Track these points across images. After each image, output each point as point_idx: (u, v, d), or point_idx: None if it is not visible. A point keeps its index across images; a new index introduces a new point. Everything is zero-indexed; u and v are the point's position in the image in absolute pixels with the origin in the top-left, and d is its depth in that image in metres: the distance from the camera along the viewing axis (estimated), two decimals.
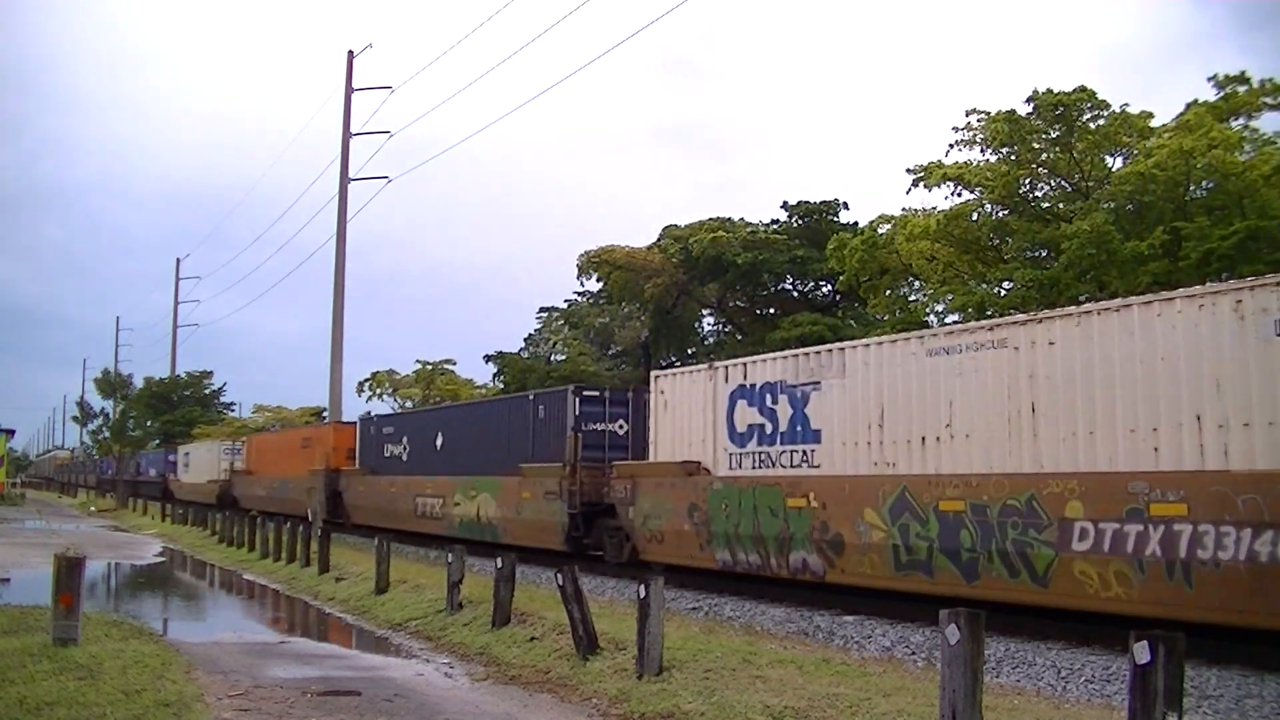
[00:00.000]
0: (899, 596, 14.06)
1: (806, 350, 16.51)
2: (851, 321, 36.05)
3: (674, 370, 19.75)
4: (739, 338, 41.14)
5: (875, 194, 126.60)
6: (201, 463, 52.13)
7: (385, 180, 40.95)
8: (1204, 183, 21.63)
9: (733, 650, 10.57)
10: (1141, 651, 5.94)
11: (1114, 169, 24.06)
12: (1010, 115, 23.76)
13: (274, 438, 46.52)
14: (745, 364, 17.24)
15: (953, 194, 25.93)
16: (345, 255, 39.93)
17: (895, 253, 27.35)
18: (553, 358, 52.33)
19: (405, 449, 30.16)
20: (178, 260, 76.58)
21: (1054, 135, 23.80)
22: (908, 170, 26.52)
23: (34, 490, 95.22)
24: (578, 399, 21.43)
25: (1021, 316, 13.49)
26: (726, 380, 17.32)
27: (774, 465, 16.13)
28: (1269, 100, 22.73)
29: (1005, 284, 25.23)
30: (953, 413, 13.40)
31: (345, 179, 40.30)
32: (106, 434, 67.93)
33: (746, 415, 16.76)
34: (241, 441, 49.18)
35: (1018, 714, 8.29)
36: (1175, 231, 20.62)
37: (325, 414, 46.63)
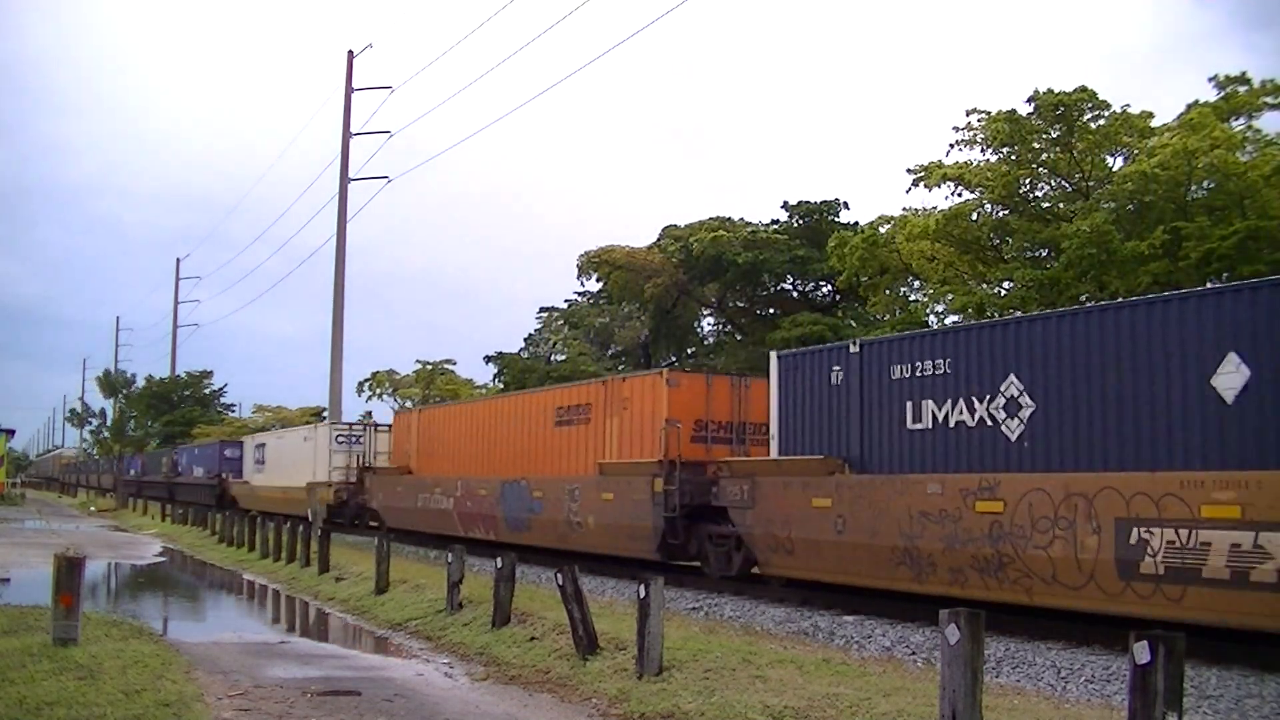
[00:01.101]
0: None
1: None
2: (851, 321, 36.08)
3: None
4: (739, 338, 41.17)
5: (875, 194, 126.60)
6: (294, 457, 37.53)
7: (385, 180, 40.96)
8: (1204, 183, 21.65)
9: (733, 650, 10.57)
10: (1141, 651, 5.94)
11: (1114, 169, 24.08)
12: (1011, 115, 23.79)
13: (474, 410, 27.53)
14: None
15: (953, 194, 25.97)
16: (345, 255, 39.84)
17: (895, 252, 27.37)
18: (553, 358, 52.37)
19: (1033, 409, 12.73)
20: (178, 260, 76.56)
21: (1054, 135, 23.82)
22: (908, 170, 26.58)
23: (34, 490, 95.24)
24: None
25: None
26: None
27: None
28: (1269, 100, 22.75)
29: (1005, 284, 25.26)
30: None
31: (345, 179, 40.26)
32: (106, 434, 67.88)
33: None
34: (368, 425, 36.16)
35: (1018, 714, 8.29)
36: (1176, 231, 20.64)
37: (325, 414, 46.60)
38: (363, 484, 32.26)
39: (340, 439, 34.25)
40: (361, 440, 34.04)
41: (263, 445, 42.81)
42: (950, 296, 25.70)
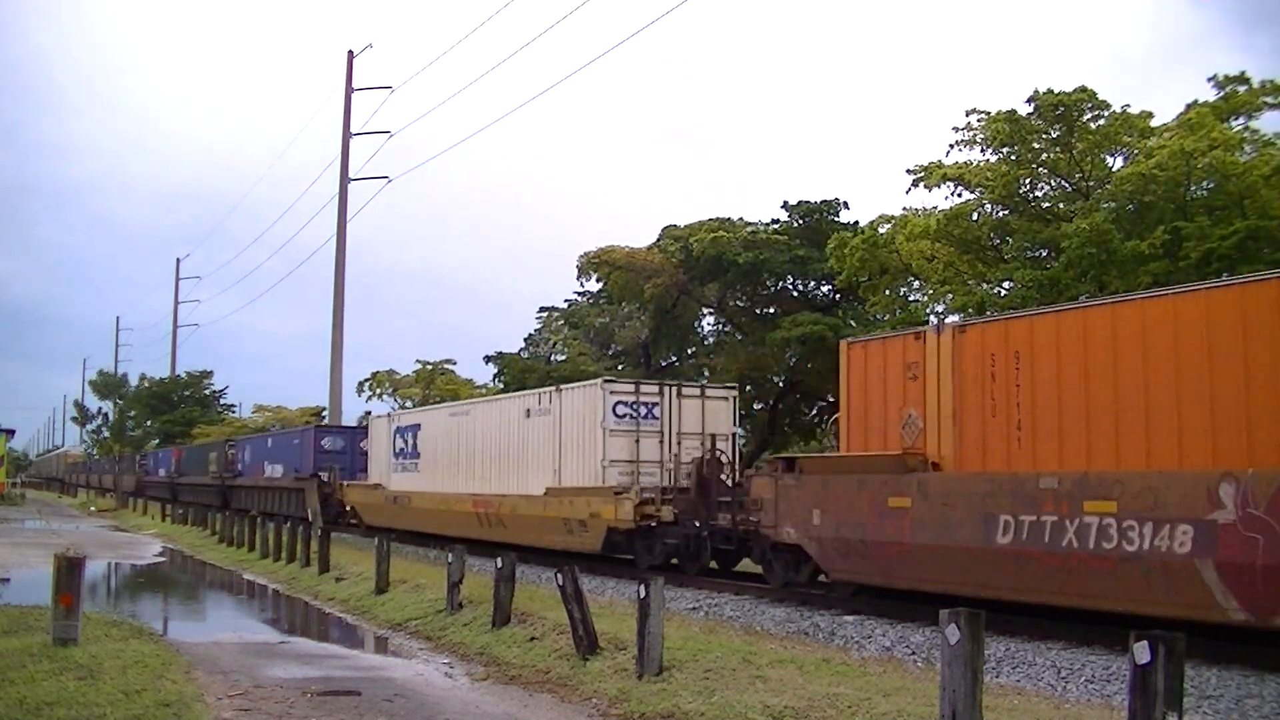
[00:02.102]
0: None
1: None
2: (851, 321, 36.08)
3: None
4: (739, 338, 41.17)
5: (875, 194, 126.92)
6: (505, 447, 23.28)
7: (385, 180, 41.02)
8: (1204, 183, 21.66)
9: (733, 650, 10.57)
10: (1141, 651, 5.93)
11: (1114, 169, 24.08)
12: (1010, 115, 23.78)
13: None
14: None
15: (953, 194, 25.95)
16: (345, 255, 40.05)
17: (895, 252, 27.34)
18: (553, 358, 52.37)
19: None
20: (178, 260, 76.76)
21: (1054, 135, 23.81)
22: (908, 170, 26.54)
23: (34, 490, 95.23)
24: None
25: None
26: None
27: None
28: (1269, 100, 22.75)
29: (1005, 284, 25.25)
30: None
31: (345, 179, 40.38)
32: (106, 434, 67.77)
33: None
34: (666, 385, 21.05)
35: (1018, 714, 8.29)
36: (1176, 231, 20.65)
37: (325, 414, 46.58)
38: (711, 490, 18.50)
39: (621, 409, 19.76)
40: (657, 413, 20.04)
41: (415, 429, 27.84)
42: (950, 296, 25.68)
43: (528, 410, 22.56)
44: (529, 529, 21.72)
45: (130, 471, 60.00)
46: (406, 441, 28.72)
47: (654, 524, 18.69)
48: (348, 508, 31.52)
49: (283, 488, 36.35)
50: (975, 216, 25.68)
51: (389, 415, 31.63)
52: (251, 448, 42.97)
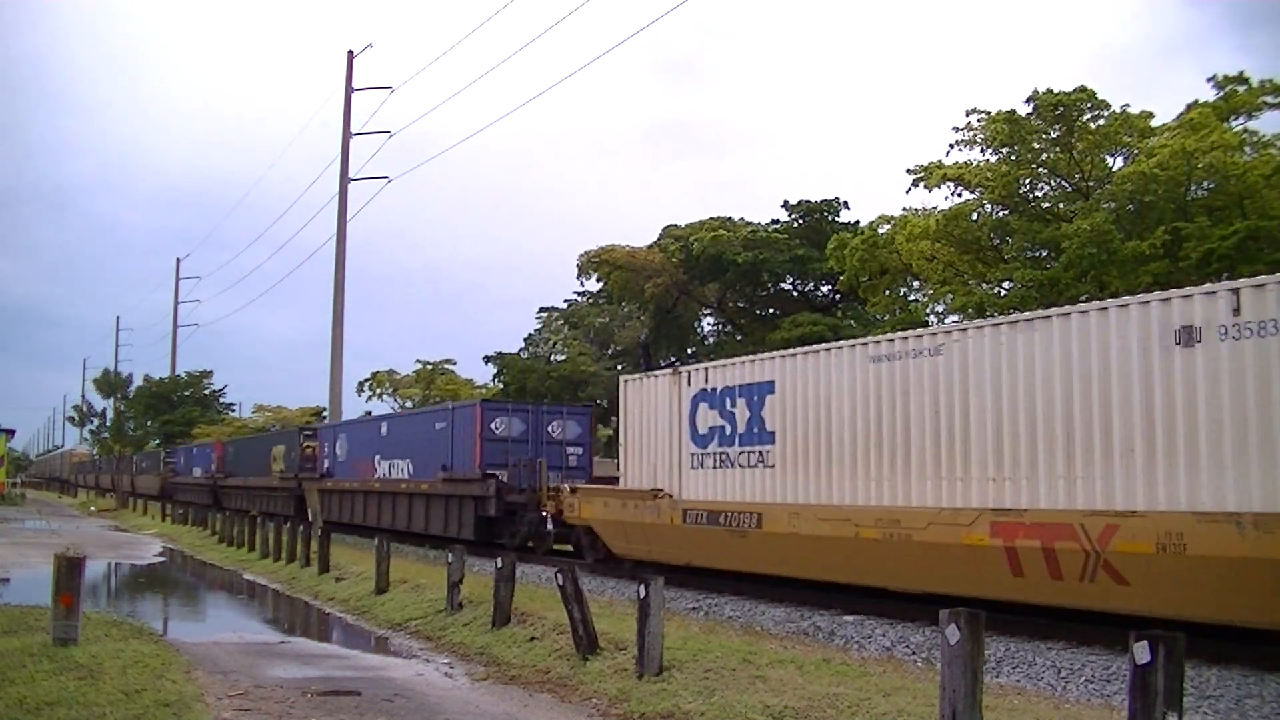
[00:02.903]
0: None
1: None
2: (851, 321, 36.08)
3: None
4: (739, 338, 41.19)
5: (875, 194, 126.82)
6: (1124, 390, 10.79)
7: (385, 180, 41.00)
8: (1204, 183, 21.66)
9: (733, 650, 10.56)
10: (1141, 651, 5.93)
11: (1114, 169, 24.08)
12: (1010, 115, 23.79)
13: None
14: None
15: (953, 194, 25.97)
16: (345, 255, 39.99)
17: (895, 253, 27.35)
18: (553, 358, 52.38)
19: None
20: (178, 260, 76.72)
21: (1054, 135, 23.82)
22: (908, 170, 26.58)
23: (34, 490, 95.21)
24: None
25: None
26: None
27: None
28: (1269, 99, 22.76)
29: (1005, 284, 25.26)
30: None
31: (345, 179, 40.35)
32: (106, 434, 67.77)
33: None
34: None
35: (1018, 714, 8.28)
36: (1176, 231, 20.66)
37: (325, 414, 46.53)
38: None
39: None
40: None
41: (757, 393, 16.02)
42: (950, 297, 25.69)
43: (1190, 331, 10.40)
44: (1246, 592, 9.91)
45: (153, 471, 50.88)
46: (729, 416, 16.61)
47: None
48: (548, 524, 21.55)
49: (424, 494, 25.16)
50: (975, 217, 25.70)
51: (674, 372, 18.13)
52: (349, 437, 31.52)
